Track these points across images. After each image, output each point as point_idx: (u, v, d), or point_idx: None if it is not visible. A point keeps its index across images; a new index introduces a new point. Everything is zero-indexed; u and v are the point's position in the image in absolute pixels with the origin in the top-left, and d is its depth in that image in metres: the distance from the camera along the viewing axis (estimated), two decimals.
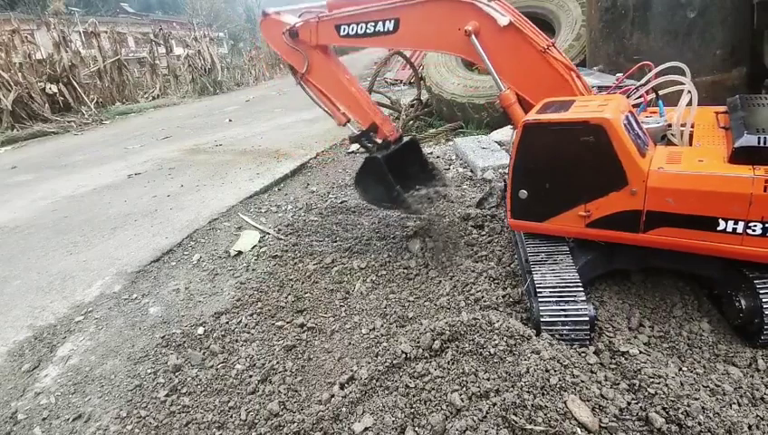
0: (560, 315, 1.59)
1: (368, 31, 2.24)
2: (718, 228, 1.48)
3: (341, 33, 2.32)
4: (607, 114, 1.53)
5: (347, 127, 2.64)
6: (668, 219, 1.55)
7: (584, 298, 1.60)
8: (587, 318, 1.56)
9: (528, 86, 1.91)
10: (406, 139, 2.65)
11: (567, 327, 1.58)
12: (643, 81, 1.96)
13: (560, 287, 1.64)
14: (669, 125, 1.84)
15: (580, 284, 1.64)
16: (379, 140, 2.56)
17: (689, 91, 1.77)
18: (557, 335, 1.58)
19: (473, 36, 1.88)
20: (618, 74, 2.18)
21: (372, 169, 2.42)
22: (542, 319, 1.60)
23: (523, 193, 1.78)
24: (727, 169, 1.47)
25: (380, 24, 2.19)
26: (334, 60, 2.57)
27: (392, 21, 2.15)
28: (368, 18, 2.21)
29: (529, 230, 1.89)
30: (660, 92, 1.93)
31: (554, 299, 1.62)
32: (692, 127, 1.82)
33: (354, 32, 2.27)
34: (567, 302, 1.60)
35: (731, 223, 1.46)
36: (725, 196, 1.44)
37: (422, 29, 2.09)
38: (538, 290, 1.66)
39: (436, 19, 2.02)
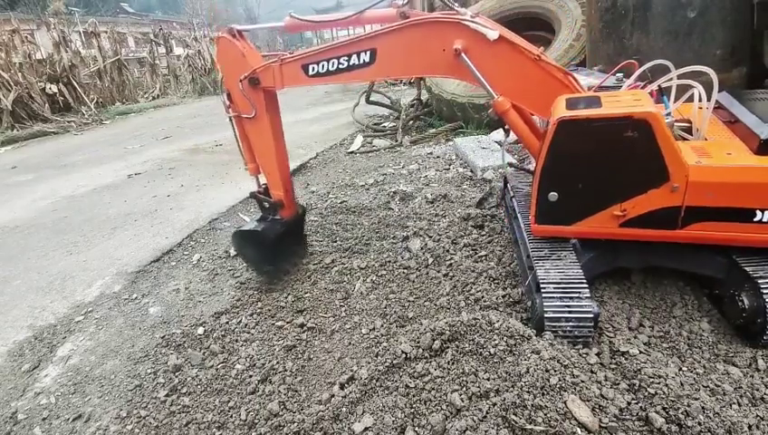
0: (563, 312, 1.58)
1: (341, 66, 2.03)
2: (755, 219, 1.52)
3: (310, 73, 2.10)
4: (650, 108, 1.51)
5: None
6: (707, 214, 1.56)
7: (588, 295, 1.59)
8: (591, 315, 1.56)
9: (529, 97, 1.84)
10: (299, 211, 2.67)
11: (571, 324, 1.58)
12: (635, 75, 1.93)
13: (564, 283, 1.64)
14: (689, 120, 1.83)
15: (584, 280, 1.63)
16: (275, 211, 2.53)
17: (715, 87, 1.76)
18: (560, 332, 1.58)
19: (463, 55, 1.80)
20: (619, 74, 2.18)
21: (258, 241, 2.42)
22: (545, 315, 1.59)
23: (554, 195, 1.70)
24: (761, 160, 1.50)
25: (355, 57, 1.99)
26: (279, 121, 2.44)
27: (368, 52, 1.97)
28: (339, 53, 2.01)
29: (555, 235, 1.82)
30: (663, 78, 1.91)
31: (558, 295, 1.61)
32: (689, 122, 1.82)
33: (325, 69, 2.06)
34: (571, 298, 1.59)
35: (767, 213, 1.50)
36: (764, 186, 1.48)
37: (403, 56, 1.95)
38: (541, 286, 1.65)
39: (418, 44, 1.90)
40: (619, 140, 1.54)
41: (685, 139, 1.79)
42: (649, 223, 1.62)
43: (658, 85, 1.90)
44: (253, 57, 2.26)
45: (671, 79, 1.84)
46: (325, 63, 2.06)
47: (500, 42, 1.78)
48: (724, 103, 1.90)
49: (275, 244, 2.44)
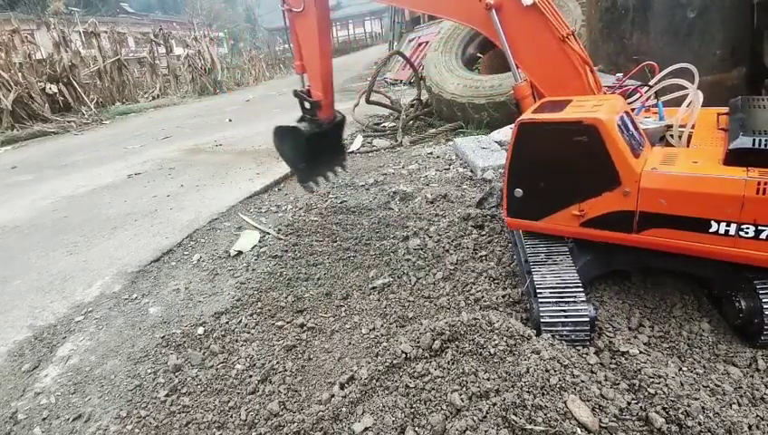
0: (560, 316, 1.59)
1: None
2: (711, 230, 1.48)
3: None
4: (600, 115, 1.54)
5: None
6: (661, 220, 1.55)
7: (584, 298, 1.60)
8: (587, 319, 1.56)
9: (541, 74, 1.87)
10: (338, 117, 2.78)
11: (567, 328, 1.58)
12: (654, 81, 1.95)
13: (560, 288, 1.64)
14: (669, 126, 1.84)
15: (579, 284, 1.64)
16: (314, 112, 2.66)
17: (694, 93, 1.77)
18: (557, 336, 1.58)
19: (493, 11, 1.82)
20: (618, 74, 2.18)
21: (294, 137, 2.59)
22: (542, 320, 1.59)
23: (519, 192, 1.79)
24: (721, 170, 1.47)
25: None
26: (327, 23, 2.50)
27: None
28: None
29: (525, 228, 1.90)
30: (668, 96, 1.92)
31: (554, 300, 1.62)
32: (692, 128, 1.82)
33: None
34: (567, 302, 1.60)
35: (723, 225, 1.46)
36: (718, 197, 1.44)
37: None
38: (538, 291, 1.66)
39: None
40: (571, 143, 1.60)
41: (672, 145, 1.81)
42: (606, 225, 1.65)
43: (655, 92, 1.91)
44: None
45: (664, 84, 1.86)
46: None
47: (532, 9, 1.79)
48: (732, 109, 1.89)
49: (311, 142, 2.55)
